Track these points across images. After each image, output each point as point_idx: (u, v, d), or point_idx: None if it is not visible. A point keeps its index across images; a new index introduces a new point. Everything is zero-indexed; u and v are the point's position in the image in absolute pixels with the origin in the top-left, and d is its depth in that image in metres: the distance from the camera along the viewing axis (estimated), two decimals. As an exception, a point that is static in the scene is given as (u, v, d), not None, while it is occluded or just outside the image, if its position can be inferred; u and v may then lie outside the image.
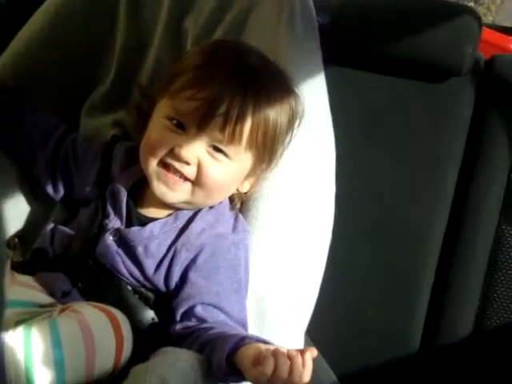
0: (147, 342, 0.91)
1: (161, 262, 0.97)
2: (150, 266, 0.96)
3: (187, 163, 0.95)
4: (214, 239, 0.97)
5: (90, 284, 0.97)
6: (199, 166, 0.95)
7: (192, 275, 0.96)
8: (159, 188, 0.97)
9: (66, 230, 1.03)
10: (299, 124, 1.04)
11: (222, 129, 0.94)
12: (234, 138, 0.94)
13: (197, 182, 0.96)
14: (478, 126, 1.35)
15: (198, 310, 0.94)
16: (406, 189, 1.36)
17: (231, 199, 1.03)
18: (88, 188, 1.06)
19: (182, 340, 0.93)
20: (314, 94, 1.11)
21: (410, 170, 1.36)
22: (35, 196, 1.15)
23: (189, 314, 0.95)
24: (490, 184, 1.35)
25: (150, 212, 1.01)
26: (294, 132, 1.03)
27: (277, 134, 0.99)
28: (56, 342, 0.84)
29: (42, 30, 1.19)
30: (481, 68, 1.36)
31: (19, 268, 1.00)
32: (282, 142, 1.02)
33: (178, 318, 0.95)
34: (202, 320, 0.94)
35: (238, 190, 1.03)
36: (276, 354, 0.79)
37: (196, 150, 0.95)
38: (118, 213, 1.00)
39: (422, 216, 1.35)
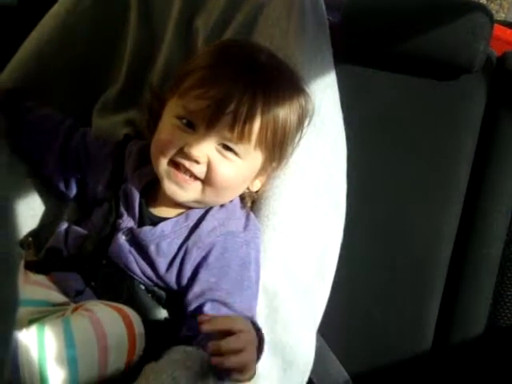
0: (159, 341, 0.92)
1: (172, 260, 0.97)
2: (162, 264, 0.97)
3: (197, 162, 0.95)
4: (225, 237, 0.98)
5: (103, 283, 0.97)
6: (209, 165, 0.96)
7: (202, 273, 0.96)
8: (170, 187, 0.97)
9: (80, 229, 1.03)
10: (309, 123, 1.04)
11: (232, 127, 0.94)
12: (243, 137, 0.95)
13: (207, 181, 0.96)
14: (491, 123, 1.34)
15: (207, 307, 0.94)
16: (418, 187, 1.35)
17: (242, 198, 1.03)
18: (101, 188, 1.06)
19: (192, 338, 0.93)
20: (324, 93, 1.11)
21: (421, 168, 1.35)
22: (49, 195, 1.15)
23: (198, 311, 0.95)
24: (503, 183, 1.34)
25: (161, 211, 1.01)
26: (305, 131, 1.03)
27: (286, 132, 0.99)
28: (69, 341, 0.85)
29: (52, 32, 1.19)
30: (493, 65, 1.35)
31: (33, 267, 1.01)
32: (292, 141, 1.02)
33: (188, 315, 0.95)
34: None
35: (248, 188, 1.03)
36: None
37: (206, 149, 0.95)
38: (130, 213, 1.01)
39: (434, 215, 1.35)
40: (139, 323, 0.90)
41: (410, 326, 1.35)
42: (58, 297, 0.97)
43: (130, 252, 0.97)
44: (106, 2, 1.21)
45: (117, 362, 0.87)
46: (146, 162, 1.04)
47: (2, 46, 1.23)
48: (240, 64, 0.97)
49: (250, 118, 0.94)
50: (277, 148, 0.99)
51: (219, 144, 0.96)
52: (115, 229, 1.00)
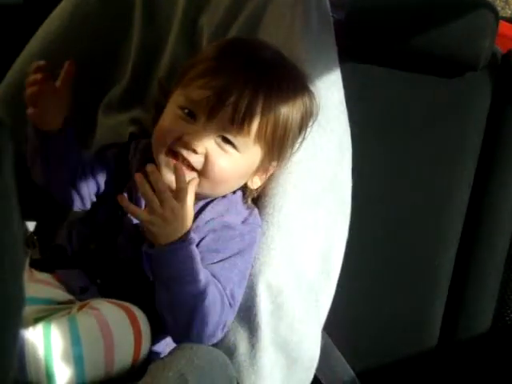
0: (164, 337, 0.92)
1: None
2: None
3: (195, 151, 0.95)
4: (221, 227, 0.99)
5: (108, 280, 0.98)
6: (207, 157, 0.96)
7: None
8: (166, 175, 0.97)
9: (85, 227, 1.04)
10: (314, 122, 1.04)
11: (231, 119, 0.94)
12: (242, 129, 0.95)
13: (203, 173, 0.96)
14: (496, 120, 1.34)
15: None
16: (423, 185, 1.35)
17: (244, 192, 1.04)
18: (106, 187, 1.06)
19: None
20: (329, 91, 1.10)
21: (427, 165, 1.35)
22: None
23: None
24: (508, 180, 1.33)
25: None
26: (309, 129, 1.03)
27: (287, 130, 0.99)
28: (75, 339, 0.85)
29: (58, 31, 1.19)
30: (498, 62, 1.34)
31: (38, 265, 1.01)
32: (294, 140, 1.02)
33: None
34: None
35: (247, 185, 1.03)
36: None
37: (204, 140, 0.95)
38: (135, 210, 1.01)
39: (439, 212, 1.34)
40: (145, 321, 0.90)
41: (415, 323, 1.35)
42: (63, 295, 0.97)
43: (135, 248, 0.97)
44: (112, 1, 1.21)
45: (123, 359, 0.87)
46: (150, 159, 1.04)
47: (8, 45, 1.24)
48: (244, 58, 0.98)
49: (250, 112, 0.94)
50: (276, 145, 0.99)
51: (218, 136, 0.96)
52: (120, 226, 1.00)
